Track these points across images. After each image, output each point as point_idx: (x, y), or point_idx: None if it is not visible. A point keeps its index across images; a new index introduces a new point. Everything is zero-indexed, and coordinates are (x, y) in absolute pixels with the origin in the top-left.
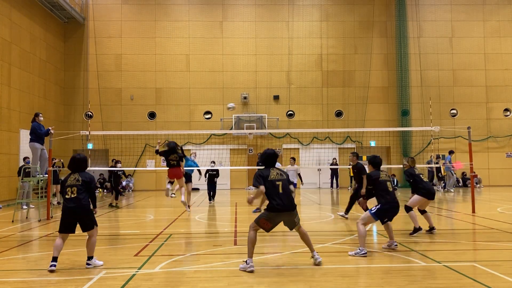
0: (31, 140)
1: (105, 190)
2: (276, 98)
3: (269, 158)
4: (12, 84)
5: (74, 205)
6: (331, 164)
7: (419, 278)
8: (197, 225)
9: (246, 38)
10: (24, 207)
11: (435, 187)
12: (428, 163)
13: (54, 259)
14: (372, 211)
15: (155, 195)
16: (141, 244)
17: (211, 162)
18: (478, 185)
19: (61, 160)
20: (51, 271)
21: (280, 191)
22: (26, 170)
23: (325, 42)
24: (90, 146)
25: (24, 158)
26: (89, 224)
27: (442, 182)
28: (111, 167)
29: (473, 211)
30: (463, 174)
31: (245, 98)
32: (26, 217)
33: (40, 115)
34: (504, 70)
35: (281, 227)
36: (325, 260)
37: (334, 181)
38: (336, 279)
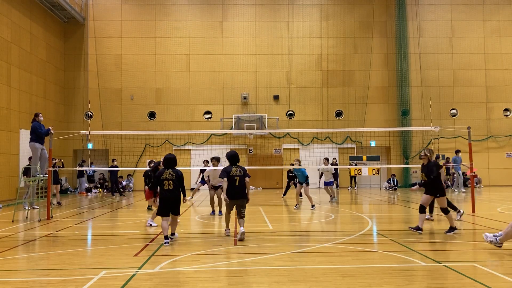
0: (31, 140)
1: (105, 190)
2: (276, 98)
3: (231, 158)
4: (12, 84)
5: (171, 195)
6: (331, 164)
7: (419, 278)
8: (197, 225)
9: (246, 38)
10: (26, 207)
11: None
12: None
13: (166, 237)
14: None
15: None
16: (141, 244)
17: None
18: (478, 185)
19: (61, 160)
20: (166, 244)
21: (237, 184)
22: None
23: (325, 42)
24: (90, 146)
25: (30, 158)
26: (178, 210)
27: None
28: (111, 166)
29: (473, 211)
30: (463, 174)
31: (245, 98)
32: (26, 217)
33: (40, 115)
34: (504, 70)
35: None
36: (325, 260)
37: (334, 181)
38: (336, 279)
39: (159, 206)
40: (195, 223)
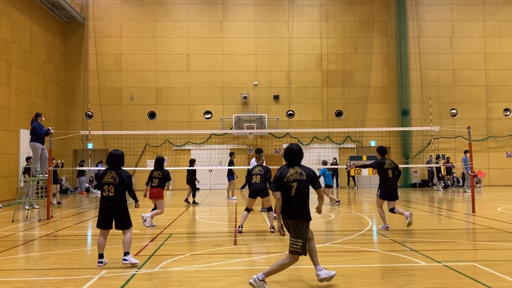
0: (32, 140)
1: None
2: (276, 98)
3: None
4: (12, 84)
5: (110, 204)
6: (331, 164)
7: (419, 278)
8: (197, 225)
9: (246, 38)
10: (26, 207)
11: (435, 187)
12: (428, 163)
13: (100, 255)
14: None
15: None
16: (141, 244)
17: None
18: (478, 185)
19: (62, 160)
20: (99, 264)
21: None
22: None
23: (325, 42)
24: (90, 146)
25: (28, 158)
26: (122, 223)
27: (442, 182)
28: None
29: (473, 211)
30: (463, 174)
31: (245, 98)
32: (26, 217)
33: (42, 115)
34: (504, 70)
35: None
36: (325, 260)
37: (334, 180)
38: (336, 280)
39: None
40: (195, 223)
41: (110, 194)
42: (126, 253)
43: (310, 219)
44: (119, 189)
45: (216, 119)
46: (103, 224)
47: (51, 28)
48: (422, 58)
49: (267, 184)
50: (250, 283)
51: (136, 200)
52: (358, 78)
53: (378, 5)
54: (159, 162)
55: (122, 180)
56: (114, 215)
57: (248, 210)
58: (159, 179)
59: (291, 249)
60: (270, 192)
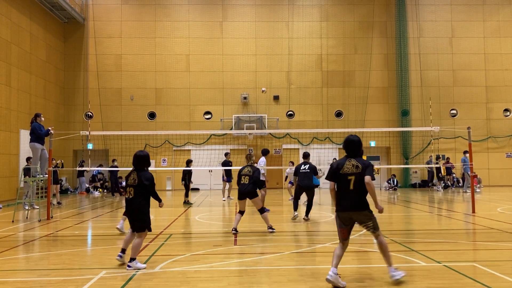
0: (31, 140)
1: (105, 190)
2: (276, 98)
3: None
4: (11, 84)
5: (128, 205)
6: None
7: (419, 278)
8: (197, 225)
9: (246, 38)
10: (26, 207)
11: (435, 187)
12: (428, 163)
13: (122, 250)
14: None
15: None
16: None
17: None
18: (478, 185)
19: (62, 160)
20: (117, 257)
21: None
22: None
23: (325, 42)
24: (90, 146)
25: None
26: (139, 225)
27: (442, 182)
28: (111, 166)
29: (473, 211)
30: (463, 174)
31: (245, 98)
32: (27, 217)
33: (41, 115)
34: (504, 70)
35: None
36: (325, 260)
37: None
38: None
39: None
40: (195, 223)
41: (130, 196)
42: (132, 259)
43: (370, 210)
44: (138, 191)
45: (216, 120)
46: (131, 225)
47: (51, 29)
48: (422, 58)
49: (256, 186)
50: (328, 280)
51: (159, 200)
52: (358, 78)
53: (378, 5)
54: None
55: (141, 182)
56: (132, 217)
57: (241, 212)
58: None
59: (371, 230)
60: (258, 193)
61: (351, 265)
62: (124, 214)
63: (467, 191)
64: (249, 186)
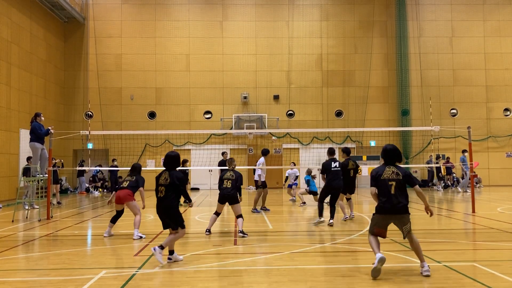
0: (31, 140)
1: (105, 190)
2: (276, 98)
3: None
4: (12, 84)
5: (160, 204)
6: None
7: (419, 278)
8: (197, 225)
9: (246, 38)
10: (26, 207)
11: (435, 187)
12: (428, 163)
13: (170, 252)
14: None
15: (153, 195)
16: (141, 244)
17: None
18: (478, 185)
19: (61, 160)
20: (169, 260)
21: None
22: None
23: (325, 42)
24: (90, 146)
25: (28, 158)
26: (173, 223)
27: (441, 182)
28: (111, 166)
29: (473, 211)
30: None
31: (245, 98)
32: (26, 217)
33: (41, 115)
34: (504, 70)
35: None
36: (325, 260)
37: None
38: (336, 279)
39: None
40: (195, 223)
41: (161, 195)
42: (171, 252)
43: (409, 213)
44: (169, 190)
45: (216, 119)
46: (163, 224)
47: (51, 28)
48: (422, 58)
49: (238, 191)
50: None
51: (189, 200)
52: (358, 78)
53: (378, 5)
54: (134, 169)
55: (173, 181)
56: (165, 215)
57: (217, 214)
58: (131, 182)
59: (406, 232)
60: (239, 199)
61: (351, 265)
62: (112, 219)
63: (461, 190)
64: (232, 191)
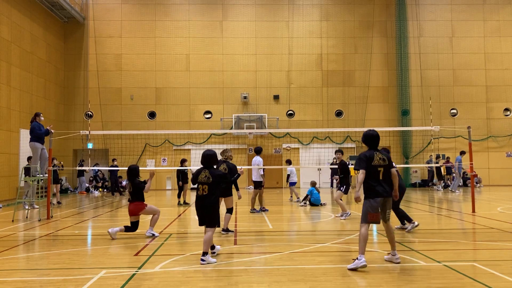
0: (31, 140)
1: (105, 190)
2: (276, 98)
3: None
4: (12, 84)
5: (200, 203)
6: (331, 164)
7: (419, 278)
8: (197, 225)
9: (246, 38)
10: (26, 207)
11: (435, 187)
12: (428, 163)
13: (203, 253)
14: None
15: (155, 195)
16: (141, 244)
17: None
18: (478, 184)
19: (61, 162)
20: (202, 262)
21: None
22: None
23: (325, 42)
24: (90, 145)
25: (29, 158)
26: (213, 221)
27: (442, 181)
28: (111, 166)
29: (473, 211)
30: (464, 174)
31: (245, 97)
32: (26, 217)
33: (41, 115)
34: (504, 70)
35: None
36: (325, 260)
37: (334, 180)
38: (336, 279)
39: None
40: (195, 223)
41: (204, 193)
42: (204, 253)
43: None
44: (212, 188)
45: (216, 119)
46: (200, 221)
47: (51, 28)
48: (422, 58)
49: (234, 185)
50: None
51: (238, 189)
52: (358, 78)
53: (378, 5)
54: (130, 172)
55: (215, 178)
56: (204, 212)
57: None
58: (132, 193)
59: (388, 217)
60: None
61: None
62: (126, 228)
63: (455, 190)
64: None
